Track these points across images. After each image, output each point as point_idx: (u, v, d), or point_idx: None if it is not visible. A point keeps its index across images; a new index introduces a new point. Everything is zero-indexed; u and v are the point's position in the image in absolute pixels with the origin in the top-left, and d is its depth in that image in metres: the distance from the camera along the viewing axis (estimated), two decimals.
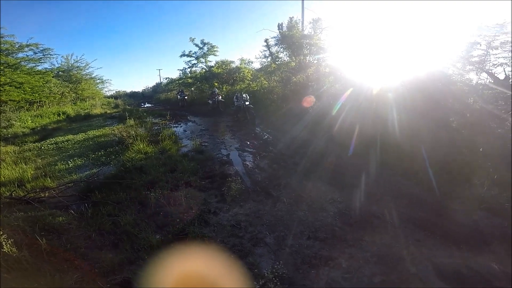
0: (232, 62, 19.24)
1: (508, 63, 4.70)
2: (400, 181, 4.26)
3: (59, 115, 14.44)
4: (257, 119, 10.52)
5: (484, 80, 5.22)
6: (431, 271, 2.38)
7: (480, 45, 5.06)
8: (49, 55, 16.55)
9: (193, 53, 19.80)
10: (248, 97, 10.34)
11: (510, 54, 4.69)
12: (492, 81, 4.92)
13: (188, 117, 12.78)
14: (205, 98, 17.61)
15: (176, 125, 10.71)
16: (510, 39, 4.63)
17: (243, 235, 3.04)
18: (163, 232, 3.11)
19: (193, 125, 10.66)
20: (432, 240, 2.80)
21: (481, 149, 4.38)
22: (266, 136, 7.86)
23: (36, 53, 15.77)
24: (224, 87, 18.07)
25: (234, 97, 10.57)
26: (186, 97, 18.42)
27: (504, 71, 4.75)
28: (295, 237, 2.95)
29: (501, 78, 4.78)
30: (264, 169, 5.08)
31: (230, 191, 3.99)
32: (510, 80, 4.73)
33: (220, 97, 14.11)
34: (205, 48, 19.58)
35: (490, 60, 5.00)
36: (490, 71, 5.01)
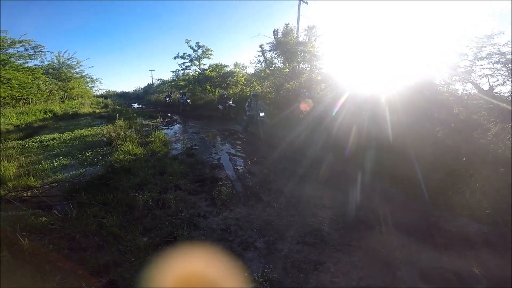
0: (226, 66, 19.31)
1: (493, 74, 4.87)
2: (388, 187, 4.33)
3: (45, 113, 14.07)
4: (239, 118, 10.53)
5: (469, 90, 5.40)
6: (416, 275, 2.42)
7: (467, 55, 5.23)
8: (40, 52, 16.30)
9: (187, 55, 19.80)
10: (264, 106, 8.51)
11: (494, 65, 4.85)
12: (477, 92, 5.09)
13: (178, 120, 12.68)
14: (198, 101, 17.55)
15: (167, 127, 10.61)
16: (495, 50, 4.80)
17: (233, 239, 3.01)
18: (151, 234, 3.06)
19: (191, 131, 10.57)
20: (417, 245, 2.86)
21: (464, 159, 4.51)
22: (257, 141, 7.87)
23: (27, 50, 15.52)
24: (217, 90, 18.06)
25: (246, 103, 8.53)
26: (188, 100, 16.14)
27: (489, 82, 4.92)
28: (285, 241, 2.95)
29: (485, 89, 4.95)
30: (255, 173, 5.07)
31: (220, 195, 3.97)
32: (493, 91, 4.90)
33: (231, 102, 12.54)
34: (200, 50, 19.60)
35: (475, 71, 5.17)
36: (475, 81, 5.18)
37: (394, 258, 2.65)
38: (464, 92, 5.49)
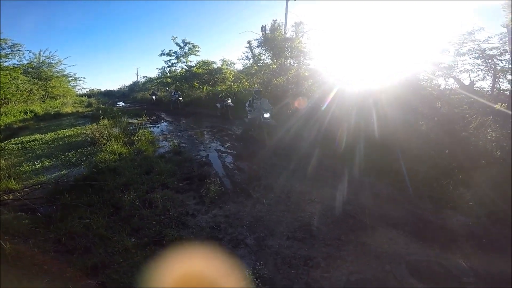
0: (214, 62, 19.06)
1: (473, 69, 5.02)
2: (375, 181, 4.41)
3: (26, 113, 13.58)
4: (237, 119, 10.46)
5: (451, 85, 5.55)
6: (404, 268, 2.47)
7: (449, 51, 5.36)
8: (18, 51, 15.70)
9: (174, 52, 19.45)
10: (269, 105, 7.03)
11: (475, 60, 5.00)
12: (458, 86, 5.24)
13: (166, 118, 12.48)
14: (186, 98, 17.30)
15: (153, 125, 10.43)
16: (476, 46, 4.94)
17: (223, 236, 3.00)
18: (138, 235, 3.00)
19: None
20: (404, 238, 2.92)
21: (447, 151, 4.65)
22: (246, 137, 7.84)
23: (4, 49, 14.91)
24: (205, 87, 17.87)
25: (247, 103, 7.12)
26: (181, 98, 15.72)
27: (470, 77, 5.06)
28: (275, 237, 2.96)
29: (466, 84, 5.09)
30: (244, 170, 5.06)
31: (209, 192, 3.93)
32: (474, 86, 5.06)
33: (230, 101, 11.72)
34: (187, 47, 19.29)
35: (457, 66, 5.31)
36: (456, 76, 5.33)
37: (382, 251, 2.69)
38: (447, 87, 5.64)
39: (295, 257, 2.63)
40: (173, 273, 2.25)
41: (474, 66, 5.04)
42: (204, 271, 2.36)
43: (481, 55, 4.90)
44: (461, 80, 5.23)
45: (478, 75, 5.03)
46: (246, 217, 3.38)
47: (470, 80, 5.06)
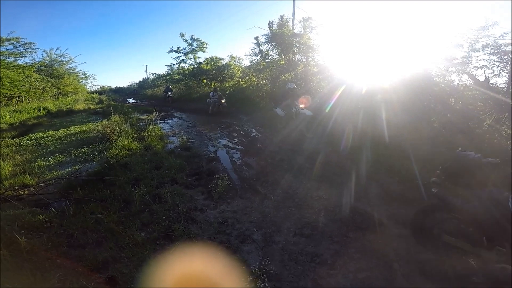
0: (222, 59, 19.14)
1: (488, 65, 4.88)
2: (385, 178, 4.36)
3: (39, 110, 13.90)
4: (245, 116, 10.47)
5: (465, 81, 5.41)
6: (413, 267, 2.44)
7: (463, 47, 5.22)
8: (30, 49, 16.07)
9: (182, 49, 19.62)
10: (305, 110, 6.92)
11: (490, 56, 4.86)
12: (473, 83, 5.10)
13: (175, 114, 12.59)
14: (193, 95, 17.40)
15: (163, 121, 10.55)
16: (491, 42, 4.79)
17: (231, 232, 3.03)
18: (148, 230, 3.06)
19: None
20: (413, 237, 2.88)
21: (459, 148, 4.53)
22: (254, 133, 7.86)
23: (16, 47, 15.28)
24: (213, 83, 17.93)
25: (276, 107, 7.23)
26: (223, 101, 13.33)
27: (484, 73, 4.92)
28: (282, 233, 2.97)
29: (481, 80, 4.95)
30: (252, 166, 5.08)
31: (217, 188, 3.97)
32: (489, 82, 4.91)
33: (223, 101, 11.23)
34: (195, 44, 19.42)
35: (471, 62, 5.17)
36: (471, 73, 5.18)
37: (391, 249, 2.67)
38: (460, 83, 5.50)
39: (302, 253, 2.64)
40: (181, 268, 2.29)
41: (489, 62, 4.90)
42: (212, 266, 2.40)
43: (496, 51, 4.75)
44: (476, 77, 5.09)
45: (494, 71, 4.89)
46: (253, 213, 3.40)
47: (485, 76, 4.92)
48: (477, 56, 5.08)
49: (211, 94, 11.56)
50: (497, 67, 4.85)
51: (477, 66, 5.09)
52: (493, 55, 4.82)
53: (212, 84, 17.98)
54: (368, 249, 2.69)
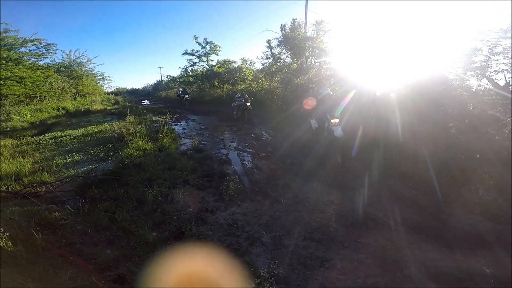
0: (234, 62, 19.30)
1: (509, 69, 4.71)
2: (398, 183, 4.26)
3: (58, 110, 14.42)
4: (256, 118, 10.48)
5: (484, 86, 5.23)
6: (424, 273, 2.38)
7: (482, 50, 5.06)
8: (51, 51, 16.71)
9: (196, 52, 19.92)
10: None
11: (511, 60, 4.69)
12: (492, 87, 4.93)
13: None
14: (207, 97, 17.57)
15: (176, 123, 10.71)
16: (511, 44, 4.63)
17: (240, 234, 3.04)
18: (159, 229, 3.11)
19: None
20: (426, 243, 2.81)
21: (478, 155, 4.39)
22: (265, 136, 7.86)
23: (38, 48, 15.93)
24: (225, 86, 18.10)
25: (312, 118, 5.99)
26: (248, 103, 12.29)
27: (505, 77, 4.76)
28: (292, 237, 2.95)
29: (501, 85, 4.79)
30: (263, 169, 5.08)
31: (228, 190, 3.99)
32: (510, 87, 4.74)
33: (249, 104, 10.24)
34: (208, 47, 19.70)
35: (491, 66, 5.01)
36: (490, 77, 5.02)
37: (402, 255, 2.61)
38: (479, 87, 5.33)
39: (311, 257, 2.61)
40: (190, 268, 2.31)
41: (510, 66, 4.72)
42: (220, 267, 2.41)
43: None
44: (496, 81, 4.92)
45: None
46: (263, 216, 3.40)
47: (506, 80, 4.75)
48: (497, 60, 4.92)
49: (236, 96, 10.78)
50: None
51: (497, 70, 4.92)
52: None
53: (224, 86, 18.16)
54: (379, 254, 2.64)
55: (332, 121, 4.98)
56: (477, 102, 5.14)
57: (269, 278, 2.33)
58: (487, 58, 5.05)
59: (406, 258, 2.58)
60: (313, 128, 6.09)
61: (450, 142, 4.76)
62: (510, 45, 4.66)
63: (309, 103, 7.38)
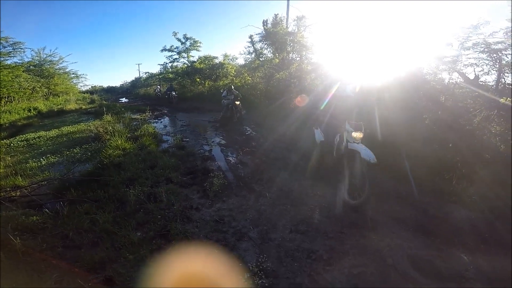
0: (216, 57, 19.09)
1: (478, 64, 4.97)
2: (379, 175, 4.42)
3: (29, 110, 13.67)
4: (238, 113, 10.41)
5: (455, 79, 5.50)
6: (406, 262, 2.49)
7: (452, 45, 5.31)
8: (19, 49, 15.77)
9: (175, 48, 19.53)
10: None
11: (480, 55, 4.94)
12: (463, 81, 5.20)
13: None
14: (187, 94, 17.28)
15: (156, 120, 10.48)
16: (480, 40, 4.88)
17: (227, 230, 3.04)
18: (144, 229, 3.05)
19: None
20: (406, 233, 2.94)
21: (450, 145, 4.63)
22: (249, 131, 7.87)
23: (5, 47, 14.97)
24: (207, 82, 17.88)
25: (315, 130, 4.93)
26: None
27: (474, 71, 5.02)
28: (278, 230, 3.00)
29: (471, 78, 5.05)
30: (247, 164, 5.09)
31: (212, 186, 3.97)
32: (479, 80, 5.01)
33: (238, 103, 8.92)
34: (188, 43, 19.35)
35: (462, 61, 5.26)
36: (461, 71, 5.28)
37: (385, 245, 2.71)
38: (451, 81, 5.59)
39: (298, 250, 2.67)
40: (178, 267, 2.29)
41: (479, 61, 4.98)
42: (209, 264, 2.41)
43: (486, 49, 4.85)
44: (466, 74, 5.18)
45: (483, 70, 4.98)
46: (249, 211, 3.42)
47: (475, 74, 5.02)
48: (467, 55, 5.17)
49: (223, 94, 9.14)
50: (486, 65, 4.94)
51: (467, 64, 5.17)
52: (483, 54, 4.91)
53: (206, 82, 17.92)
54: (363, 244, 2.73)
55: (354, 134, 3.69)
56: (449, 95, 5.40)
57: (258, 272, 2.35)
58: (458, 53, 5.30)
59: (389, 247, 2.68)
60: (316, 141, 4.82)
61: (426, 134, 4.98)
62: (479, 40, 4.91)
63: (291, 96, 7.29)
